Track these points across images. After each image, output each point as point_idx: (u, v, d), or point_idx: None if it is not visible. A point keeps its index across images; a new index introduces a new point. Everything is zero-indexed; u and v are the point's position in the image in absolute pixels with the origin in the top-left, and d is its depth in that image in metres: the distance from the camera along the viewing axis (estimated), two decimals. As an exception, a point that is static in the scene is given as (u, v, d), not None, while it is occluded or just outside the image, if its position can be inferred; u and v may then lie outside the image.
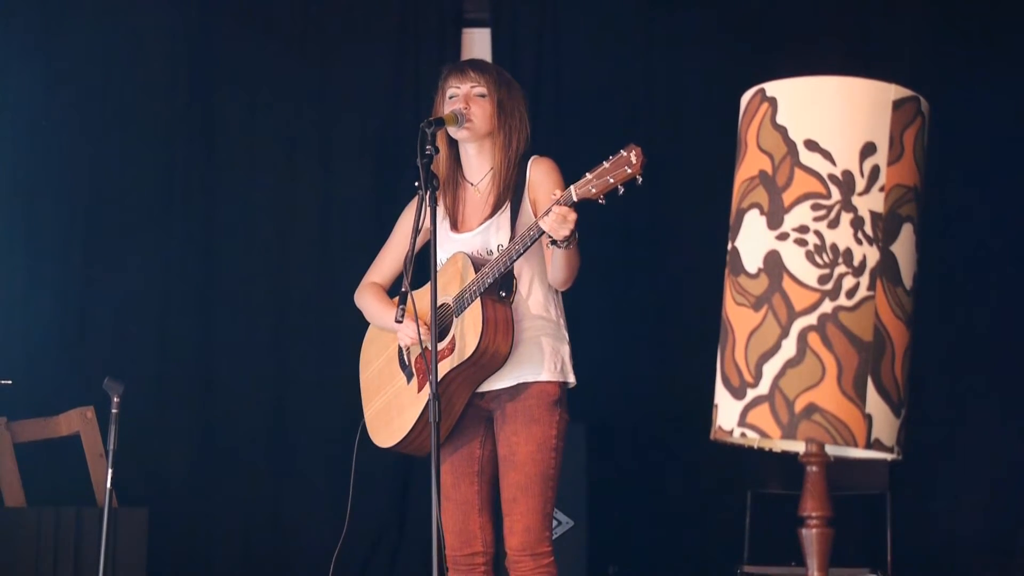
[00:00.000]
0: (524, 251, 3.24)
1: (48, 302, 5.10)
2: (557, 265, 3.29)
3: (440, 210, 3.51)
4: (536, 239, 3.20)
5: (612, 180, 3.07)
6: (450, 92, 3.48)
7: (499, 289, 3.30)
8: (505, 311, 3.30)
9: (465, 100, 3.43)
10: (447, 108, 3.45)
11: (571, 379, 3.42)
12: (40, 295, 5.11)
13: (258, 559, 5.11)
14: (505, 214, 3.42)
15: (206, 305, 5.19)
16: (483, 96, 3.45)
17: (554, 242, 3.17)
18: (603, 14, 5.24)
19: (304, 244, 5.24)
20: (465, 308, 3.30)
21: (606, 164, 3.09)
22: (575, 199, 3.11)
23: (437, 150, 3.27)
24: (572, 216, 3.11)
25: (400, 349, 3.50)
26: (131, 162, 5.23)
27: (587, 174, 3.12)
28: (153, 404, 4.99)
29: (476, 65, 3.53)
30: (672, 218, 5.07)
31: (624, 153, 3.07)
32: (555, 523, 4.59)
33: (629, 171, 3.05)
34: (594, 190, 3.09)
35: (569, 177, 3.44)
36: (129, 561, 4.49)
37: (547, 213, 3.14)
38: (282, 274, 5.23)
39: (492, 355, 3.28)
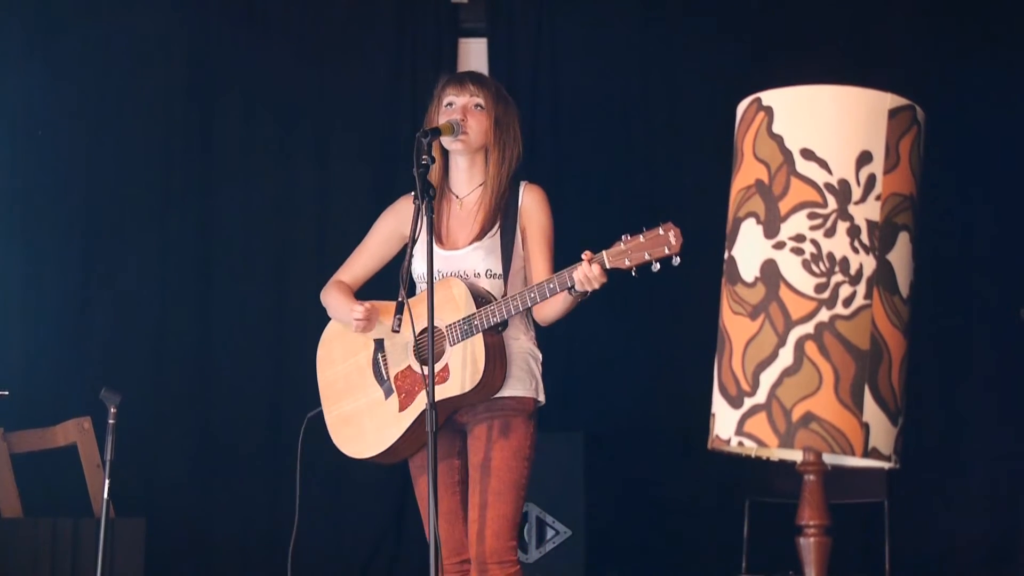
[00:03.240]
0: (541, 301, 3.24)
1: (45, 312, 5.10)
2: (560, 311, 3.32)
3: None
4: (557, 292, 3.20)
5: (648, 256, 3.08)
6: (447, 101, 3.47)
7: (499, 325, 3.30)
8: (501, 344, 3.33)
9: (463, 112, 3.42)
10: (443, 117, 3.43)
11: (542, 398, 3.43)
12: (37, 305, 5.11)
13: (256, 568, 5.10)
14: (495, 238, 3.41)
15: (203, 315, 5.19)
16: (480, 108, 3.44)
17: (571, 289, 3.18)
18: (600, 24, 5.25)
19: (300, 252, 5.24)
20: (463, 339, 3.29)
21: (641, 238, 3.08)
22: (607, 266, 3.12)
23: (433, 160, 3.26)
24: (601, 279, 3.11)
25: (376, 359, 3.46)
26: (129, 169, 5.24)
27: (620, 244, 3.11)
28: (150, 414, 4.99)
29: (475, 78, 3.52)
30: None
31: (661, 232, 3.07)
32: (553, 532, 4.59)
33: (668, 252, 3.07)
34: (628, 262, 3.10)
35: (562, 202, 3.46)
36: (127, 571, 4.48)
37: (574, 270, 3.13)
38: (279, 283, 5.23)
39: (487, 388, 3.31)
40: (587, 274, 3.11)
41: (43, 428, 4.73)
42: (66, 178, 5.21)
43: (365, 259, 3.63)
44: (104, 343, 5.13)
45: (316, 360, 3.60)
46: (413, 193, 3.24)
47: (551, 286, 3.19)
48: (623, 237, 3.11)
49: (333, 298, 3.59)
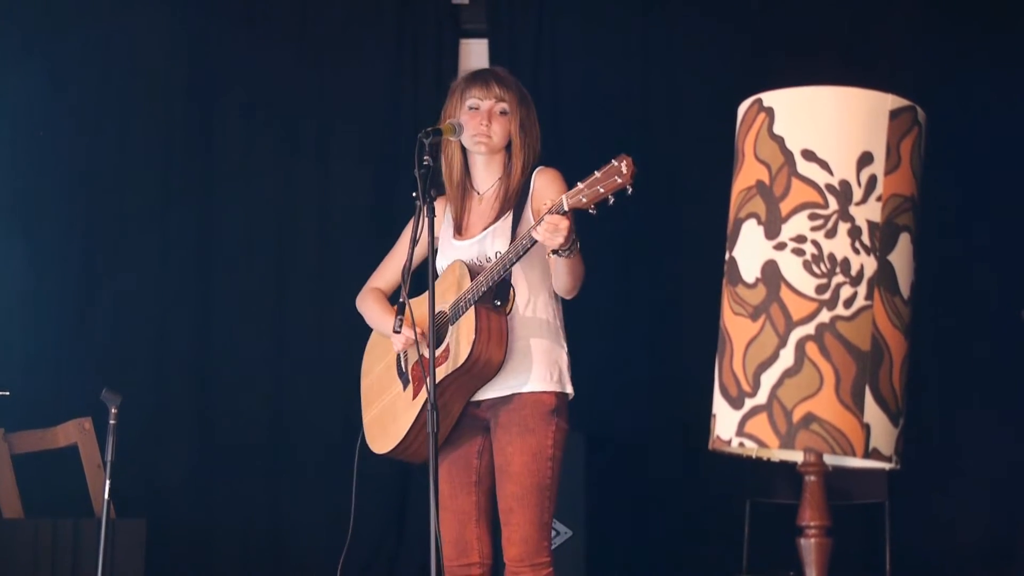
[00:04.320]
0: (517, 260, 3.22)
1: (46, 313, 5.10)
2: (560, 273, 3.28)
3: (448, 217, 3.52)
4: (528, 248, 3.19)
5: (602, 190, 3.03)
6: (471, 102, 3.44)
7: (494, 298, 3.30)
8: (499, 320, 3.29)
9: (488, 115, 3.42)
10: (464, 117, 3.42)
11: (569, 389, 3.39)
12: (38, 306, 5.11)
13: (257, 569, 5.10)
14: (507, 221, 3.41)
15: (204, 315, 5.19)
16: (505, 114, 3.44)
17: (554, 251, 3.16)
18: (600, 24, 5.25)
19: (302, 251, 5.25)
20: (460, 316, 3.30)
21: (597, 174, 3.06)
22: (566, 208, 3.09)
23: (435, 160, 3.27)
24: (564, 224, 3.08)
25: (399, 356, 3.50)
26: (129, 169, 5.24)
27: (579, 183, 3.09)
28: (151, 415, 4.99)
29: (502, 80, 3.48)
30: (670, 228, 5.07)
31: (615, 163, 3.04)
32: (554, 533, 4.58)
33: (619, 181, 3.02)
34: (585, 200, 3.06)
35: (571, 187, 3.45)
36: (127, 572, 4.48)
37: (539, 223, 3.12)
38: (280, 282, 5.23)
39: (485, 364, 3.27)
40: (547, 225, 3.07)
41: (44, 429, 4.73)
42: (66, 178, 5.21)
43: (395, 264, 3.65)
44: (104, 343, 5.13)
45: (360, 372, 3.68)
46: (415, 193, 3.24)
47: (523, 243, 3.18)
48: (582, 178, 3.10)
49: (370, 309, 3.63)
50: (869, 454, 1.87)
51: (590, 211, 3.08)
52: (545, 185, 3.43)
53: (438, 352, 3.32)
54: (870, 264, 1.89)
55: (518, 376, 3.34)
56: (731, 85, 4.87)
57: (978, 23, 5.05)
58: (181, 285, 5.20)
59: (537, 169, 3.48)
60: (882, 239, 1.90)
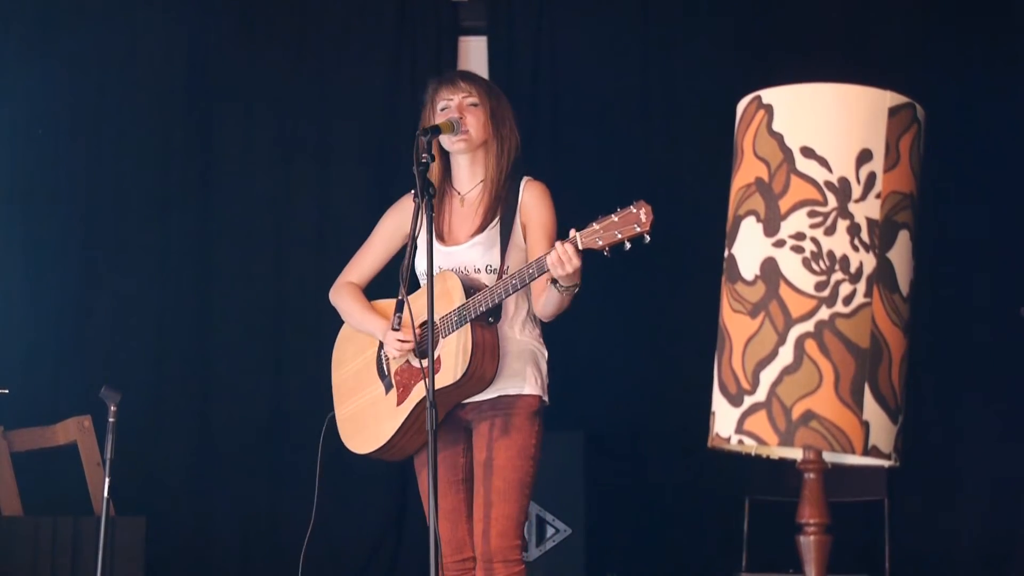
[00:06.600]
0: (522, 287, 3.24)
1: (45, 311, 5.10)
2: (548, 303, 3.30)
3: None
4: (536, 278, 3.20)
5: (620, 235, 3.07)
6: (441, 104, 3.48)
7: (488, 315, 3.31)
8: (493, 336, 3.33)
9: (459, 111, 3.44)
10: (440, 119, 3.45)
11: (546, 397, 3.44)
12: (37, 304, 5.11)
13: (256, 567, 5.10)
14: (495, 231, 3.43)
15: (203, 313, 5.19)
16: (476, 105, 3.46)
17: (554, 282, 3.17)
18: (600, 22, 5.25)
19: (301, 251, 5.24)
20: (453, 331, 3.30)
21: (614, 217, 3.08)
22: (580, 247, 3.11)
23: (433, 158, 3.27)
24: (575, 262, 3.10)
25: (380, 356, 3.50)
26: (128, 169, 5.24)
27: (594, 224, 3.10)
28: (150, 413, 4.99)
29: (466, 76, 3.55)
30: (669, 225, 5.05)
31: (634, 210, 3.06)
32: (553, 531, 4.59)
33: (639, 229, 3.06)
34: (600, 242, 3.09)
35: (562, 200, 3.47)
36: (127, 570, 4.48)
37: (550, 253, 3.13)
38: (279, 281, 5.23)
39: (478, 379, 3.31)
40: (559, 255, 3.10)
41: (43, 426, 4.73)
42: (66, 178, 5.21)
43: (371, 257, 3.66)
44: (104, 342, 5.13)
45: (331, 362, 3.65)
46: (414, 191, 3.25)
47: (530, 271, 3.20)
48: (597, 217, 3.11)
49: (347, 304, 3.63)
50: (868, 451, 1.87)
51: (605, 253, 3.10)
52: (533, 200, 3.45)
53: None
54: (869, 261, 1.89)
55: (505, 380, 3.37)
56: (731, 84, 4.86)
57: (978, 22, 5.05)
58: (181, 284, 5.20)
59: (525, 179, 3.49)
60: (881, 236, 1.90)
